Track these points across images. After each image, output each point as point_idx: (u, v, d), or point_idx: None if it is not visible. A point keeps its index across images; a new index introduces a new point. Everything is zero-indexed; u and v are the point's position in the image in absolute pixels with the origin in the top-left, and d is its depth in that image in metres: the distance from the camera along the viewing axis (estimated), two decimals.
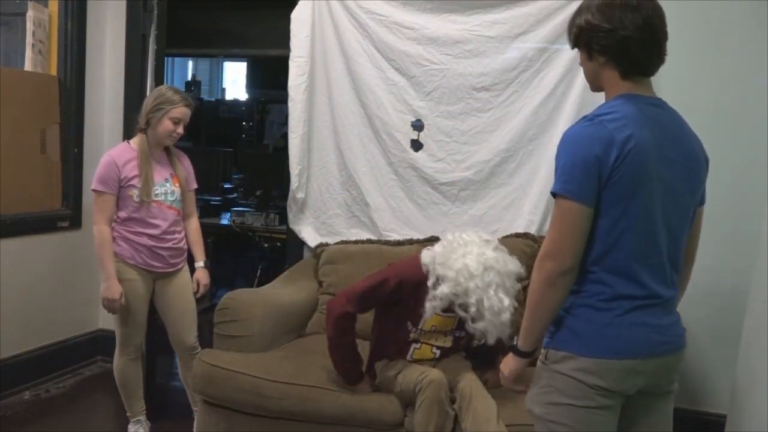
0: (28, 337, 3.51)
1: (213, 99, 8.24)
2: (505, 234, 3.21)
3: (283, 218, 4.30)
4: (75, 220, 3.73)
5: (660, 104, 1.69)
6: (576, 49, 1.73)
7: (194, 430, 2.80)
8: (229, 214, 5.05)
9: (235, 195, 5.76)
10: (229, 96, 8.65)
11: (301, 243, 3.61)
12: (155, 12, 3.66)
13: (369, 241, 3.39)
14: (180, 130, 2.85)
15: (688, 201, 1.71)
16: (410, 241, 3.31)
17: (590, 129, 1.57)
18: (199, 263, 3.04)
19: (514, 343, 1.69)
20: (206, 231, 5.02)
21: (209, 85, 8.61)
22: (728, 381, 2.89)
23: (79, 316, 3.86)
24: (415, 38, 3.31)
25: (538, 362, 1.68)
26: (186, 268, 3.03)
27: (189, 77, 8.14)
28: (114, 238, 2.81)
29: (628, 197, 1.56)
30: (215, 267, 5.36)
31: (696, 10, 3.08)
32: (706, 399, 3.16)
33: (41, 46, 3.58)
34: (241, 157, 6.19)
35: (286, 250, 3.81)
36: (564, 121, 3.13)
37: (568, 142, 1.60)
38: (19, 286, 3.39)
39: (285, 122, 5.88)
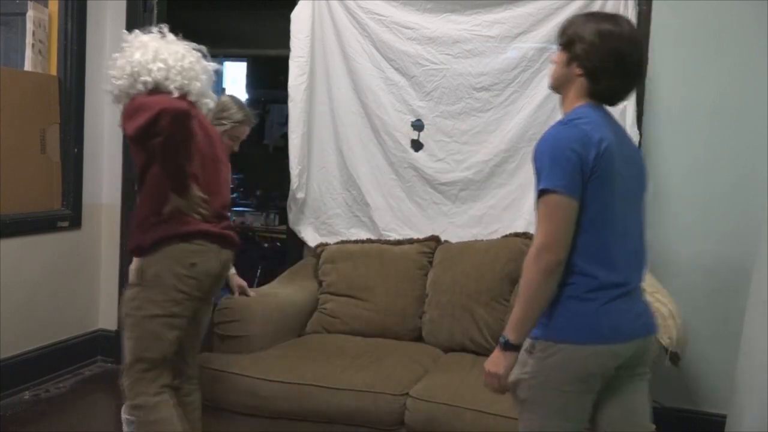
0: (28, 337, 3.50)
1: None
2: (505, 234, 3.21)
3: (283, 218, 4.30)
4: (75, 220, 3.73)
5: (610, 113, 1.85)
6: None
7: None
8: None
9: (235, 195, 5.76)
10: None
11: (301, 243, 3.61)
12: (155, 12, 3.66)
13: (369, 241, 3.39)
14: (236, 147, 2.76)
15: (641, 197, 1.86)
16: (410, 241, 3.31)
17: (569, 131, 1.70)
18: None
19: (506, 339, 1.71)
20: None
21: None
22: (728, 381, 2.89)
23: (79, 316, 3.86)
24: (415, 38, 3.32)
25: (522, 352, 1.74)
26: None
27: None
28: None
29: (606, 192, 1.69)
30: None
31: (696, 10, 3.08)
32: (706, 399, 3.16)
33: (41, 46, 3.58)
34: (241, 157, 6.19)
35: (286, 250, 3.81)
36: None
37: (550, 143, 1.71)
38: (19, 286, 3.39)
39: (285, 122, 5.87)
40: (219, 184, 2.38)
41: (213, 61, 2.43)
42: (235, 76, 8.70)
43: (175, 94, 2.21)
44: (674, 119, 3.15)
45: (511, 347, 1.71)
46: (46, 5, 3.61)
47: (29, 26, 3.51)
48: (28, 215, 3.44)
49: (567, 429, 1.75)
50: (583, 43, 1.74)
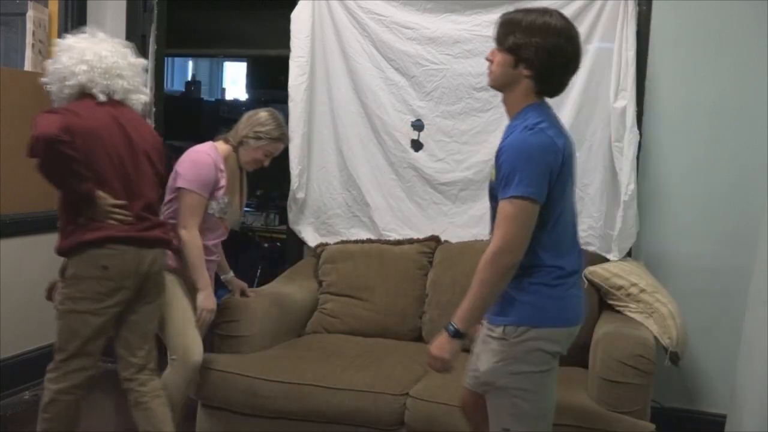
0: (28, 337, 3.50)
1: (213, 99, 8.23)
2: None
3: (283, 218, 4.30)
4: None
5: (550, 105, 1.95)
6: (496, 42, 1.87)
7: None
8: None
9: None
10: (229, 96, 8.64)
11: (301, 243, 3.61)
12: (155, 12, 3.66)
13: (369, 241, 3.39)
14: (267, 163, 2.82)
15: (573, 183, 1.97)
16: (410, 241, 3.31)
17: (538, 138, 1.79)
18: (229, 274, 2.94)
19: (455, 328, 1.83)
20: None
21: (209, 85, 8.60)
22: (728, 381, 2.89)
23: None
24: (415, 38, 3.32)
25: (492, 339, 1.87)
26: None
27: (189, 77, 8.14)
28: None
29: (566, 191, 1.87)
30: None
31: (696, 10, 3.08)
32: (706, 399, 3.16)
33: (41, 46, 3.58)
34: None
35: (286, 250, 3.81)
36: (563, 121, 3.11)
37: (521, 150, 1.79)
38: (19, 286, 3.39)
39: (285, 122, 5.89)
40: (141, 186, 2.40)
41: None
42: (235, 76, 8.72)
43: (100, 98, 2.33)
44: (674, 119, 3.15)
45: (459, 335, 1.84)
46: (46, 5, 3.61)
47: (29, 26, 3.51)
48: (28, 215, 3.44)
49: (551, 404, 1.92)
50: (530, 47, 1.80)
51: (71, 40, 2.36)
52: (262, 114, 2.77)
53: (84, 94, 2.33)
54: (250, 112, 2.82)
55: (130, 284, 2.36)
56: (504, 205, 1.77)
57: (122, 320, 2.42)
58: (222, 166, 2.68)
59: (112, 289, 2.33)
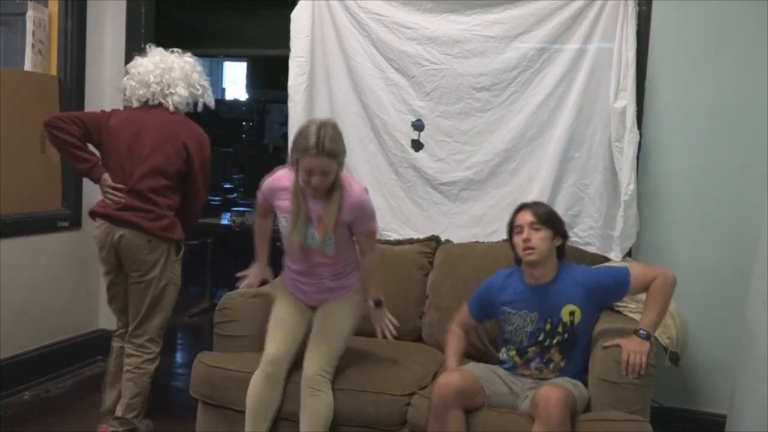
0: (28, 337, 3.51)
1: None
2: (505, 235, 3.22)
3: None
4: (75, 220, 3.73)
5: None
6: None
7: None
8: (229, 214, 5.05)
9: (235, 195, 5.76)
10: (229, 96, 8.64)
11: None
12: (154, 12, 3.67)
13: None
14: (316, 180, 2.37)
15: None
16: (410, 241, 3.31)
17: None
18: (369, 302, 2.67)
19: (647, 333, 2.33)
20: (206, 231, 5.08)
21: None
22: (728, 381, 2.89)
23: (79, 316, 3.86)
24: (415, 38, 3.31)
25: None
26: (348, 298, 2.68)
27: None
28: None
29: None
30: (215, 267, 5.36)
31: (696, 10, 3.08)
32: (706, 399, 3.16)
33: (41, 46, 3.58)
34: (241, 157, 6.19)
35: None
36: (564, 121, 3.14)
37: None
38: (19, 286, 3.39)
39: (285, 122, 5.86)
40: (129, 174, 2.82)
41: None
42: (235, 76, 8.72)
43: (134, 104, 2.91)
44: (674, 119, 3.15)
45: (649, 339, 2.31)
46: (46, 5, 3.61)
47: (29, 26, 3.51)
48: (28, 215, 3.44)
49: None
50: (558, 219, 2.54)
51: (137, 61, 2.93)
52: (307, 121, 2.54)
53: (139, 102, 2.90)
54: None
55: (110, 257, 2.85)
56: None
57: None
58: (285, 185, 2.54)
59: (102, 258, 2.88)
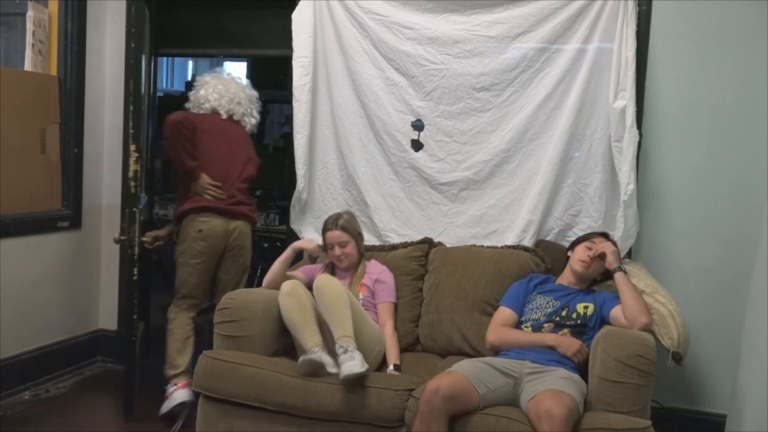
0: (28, 337, 3.51)
1: None
2: (504, 235, 3.23)
3: (283, 218, 4.29)
4: (75, 220, 3.74)
5: None
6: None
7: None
8: None
9: None
10: None
11: None
12: (154, 11, 3.66)
13: (366, 248, 3.37)
14: (338, 251, 2.99)
15: None
16: (404, 245, 3.30)
17: None
18: (390, 367, 2.77)
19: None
20: None
21: None
22: (728, 381, 2.89)
23: (79, 316, 3.86)
24: (415, 38, 3.31)
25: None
26: None
27: (189, 77, 8.14)
28: None
29: None
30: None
31: (696, 10, 3.09)
32: (706, 399, 3.17)
33: (41, 46, 3.58)
34: None
35: None
36: (564, 120, 3.14)
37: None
38: (19, 286, 3.39)
39: (285, 122, 5.87)
40: (232, 175, 3.30)
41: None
42: (235, 77, 8.72)
43: (223, 116, 3.39)
44: (674, 119, 3.16)
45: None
46: (46, 5, 3.61)
47: (29, 26, 3.51)
48: (28, 215, 3.44)
49: None
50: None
51: (207, 78, 3.46)
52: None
53: (214, 112, 3.38)
54: None
55: (218, 245, 3.24)
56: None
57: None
58: (321, 267, 3.11)
59: (204, 247, 3.21)
